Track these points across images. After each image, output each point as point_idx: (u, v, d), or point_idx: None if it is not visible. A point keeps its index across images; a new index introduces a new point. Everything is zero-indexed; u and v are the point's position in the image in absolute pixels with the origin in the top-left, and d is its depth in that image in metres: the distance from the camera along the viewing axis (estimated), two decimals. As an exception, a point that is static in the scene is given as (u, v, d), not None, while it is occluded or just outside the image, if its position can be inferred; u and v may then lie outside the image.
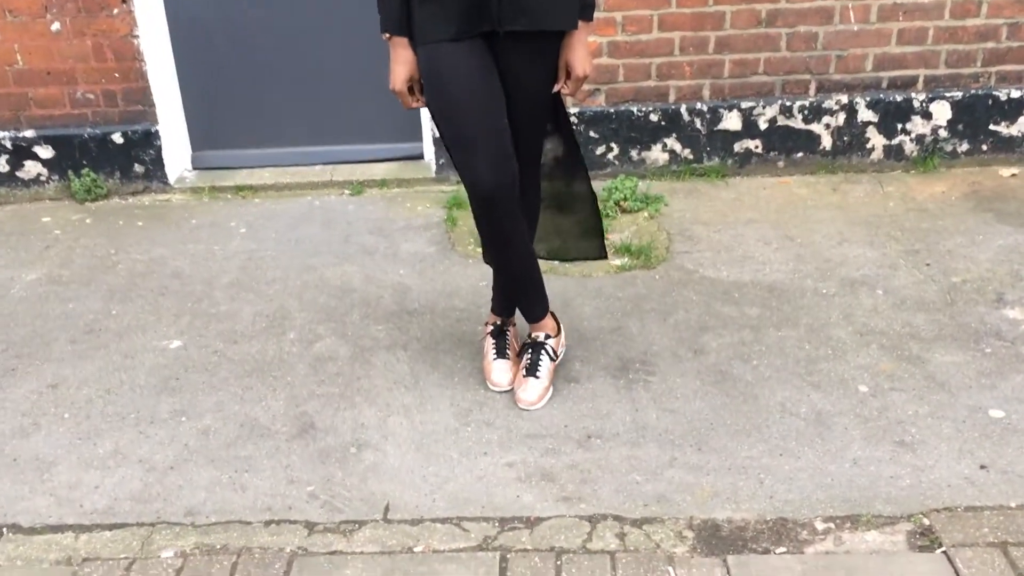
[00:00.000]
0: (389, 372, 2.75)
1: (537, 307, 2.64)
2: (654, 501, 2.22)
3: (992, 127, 3.89)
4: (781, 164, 3.95)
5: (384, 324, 3.00)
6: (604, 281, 3.20)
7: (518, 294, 2.63)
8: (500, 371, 2.65)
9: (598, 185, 3.80)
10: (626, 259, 3.35)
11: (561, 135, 2.55)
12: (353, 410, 2.59)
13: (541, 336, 2.65)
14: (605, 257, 2.77)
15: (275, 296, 3.19)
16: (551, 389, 2.61)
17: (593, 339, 2.87)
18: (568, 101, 3.73)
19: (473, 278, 3.25)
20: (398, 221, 3.73)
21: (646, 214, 3.68)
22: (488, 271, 2.78)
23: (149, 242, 3.63)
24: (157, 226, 3.77)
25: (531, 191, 2.56)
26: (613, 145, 3.94)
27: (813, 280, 3.15)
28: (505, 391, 2.63)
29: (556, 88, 2.39)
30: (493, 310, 2.76)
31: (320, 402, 2.62)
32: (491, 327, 2.74)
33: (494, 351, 2.69)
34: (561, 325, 2.74)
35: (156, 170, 4.00)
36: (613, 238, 3.51)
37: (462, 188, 3.75)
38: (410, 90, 2.35)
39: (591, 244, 2.74)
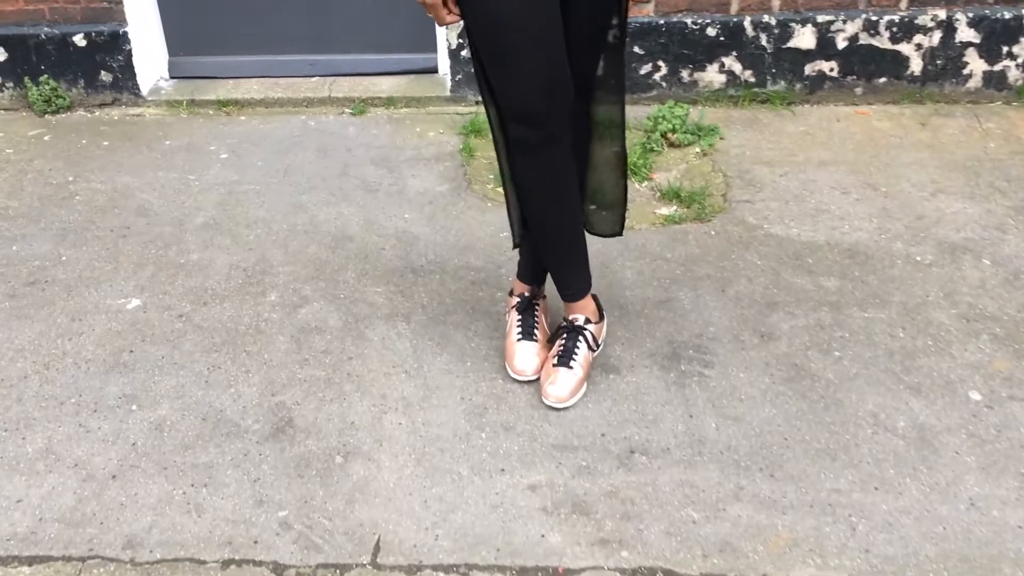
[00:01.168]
0: (387, 351, 2.25)
1: (578, 282, 2.13)
2: (716, 551, 1.74)
3: (1116, 53, 3.26)
4: (859, 91, 3.34)
5: (384, 285, 2.49)
6: (649, 237, 2.66)
7: (557, 264, 2.11)
8: (526, 356, 2.15)
9: (641, 112, 3.23)
10: (675, 208, 2.80)
11: (611, 57, 1.98)
12: (342, 402, 2.10)
13: (580, 319, 2.14)
14: (620, 234, 2.22)
15: (256, 243, 2.68)
16: (585, 384, 2.11)
17: (637, 314, 2.35)
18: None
19: (493, 226, 2.72)
20: (406, 149, 3.18)
21: (698, 149, 3.11)
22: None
23: (114, 167, 3.10)
24: (125, 147, 3.22)
25: (582, 124, 2.02)
26: (661, 64, 3.34)
27: (904, 243, 2.60)
28: (529, 380, 2.14)
29: None
30: (520, 276, 2.25)
31: (302, 390, 2.14)
32: (517, 300, 2.22)
33: (519, 330, 2.18)
34: (604, 312, 2.22)
35: (126, 79, 3.43)
36: (659, 179, 2.96)
37: (481, 110, 3.20)
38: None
39: (611, 217, 2.19)
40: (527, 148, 1.89)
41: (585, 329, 2.13)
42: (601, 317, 2.20)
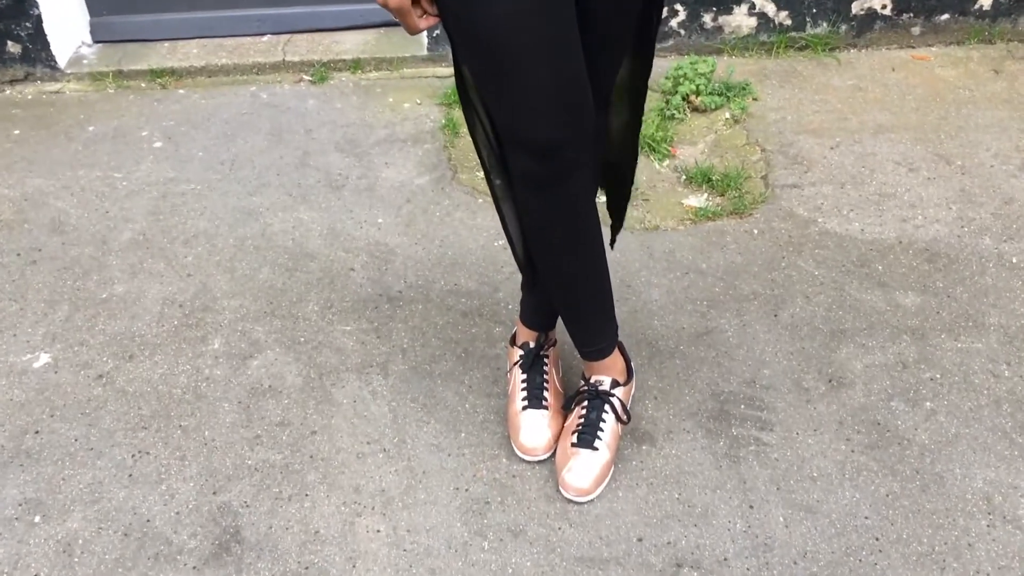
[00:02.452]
0: (360, 420, 1.78)
1: (603, 337, 1.64)
2: None
3: None
4: (917, 31, 2.79)
5: (354, 322, 2.00)
6: (678, 240, 2.17)
7: (575, 317, 1.62)
8: (534, 430, 1.68)
9: (657, 66, 2.68)
10: (706, 197, 2.29)
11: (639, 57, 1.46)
12: (303, 501, 1.64)
13: (605, 383, 1.66)
14: (610, 247, 1.71)
15: (196, 266, 2.18)
16: (613, 467, 1.65)
17: (670, 354, 1.88)
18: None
19: (486, 232, 2.22)
20: (377, 128, 2.64)
21: (728, 115, 2.58)
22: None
23: (24, 166, 2.56)
24: (38, 137, 2.68)
25: (599, 136, 1.53)
26: (678, 7, 2.78)
27: (993, 238, 2.11)
28: (540, 460, 1.68)
29: None
30: (523, 319, 1.76)
31: (252, 483, 1.68)
32: (520, 354, 1.74)
33: (524, 395, 1.71)
34: (632, 368, 1.74)
35: (38, 48, 2.86)
36: (684, 156, 2.44)
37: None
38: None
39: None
40: (534, 185, 1.38)
41: (612, 396, 1.65)
42: (630, 374, 1.72)
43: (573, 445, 1.63)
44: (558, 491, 1.63)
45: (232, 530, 1.60)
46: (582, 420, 1.65)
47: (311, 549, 1.56)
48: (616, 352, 1.67)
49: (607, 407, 1.64)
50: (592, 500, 1.61)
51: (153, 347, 1.97)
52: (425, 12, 1.26)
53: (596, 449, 1.62)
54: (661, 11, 1.41)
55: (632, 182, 1.62)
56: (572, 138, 1.32)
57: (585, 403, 1.66)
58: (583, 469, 1.61)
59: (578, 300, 1.57)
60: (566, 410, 1.71)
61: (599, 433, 1.63)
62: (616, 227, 1.68)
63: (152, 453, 1.74)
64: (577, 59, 1.28)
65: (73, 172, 2.52)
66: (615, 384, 1.66)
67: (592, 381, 1.67)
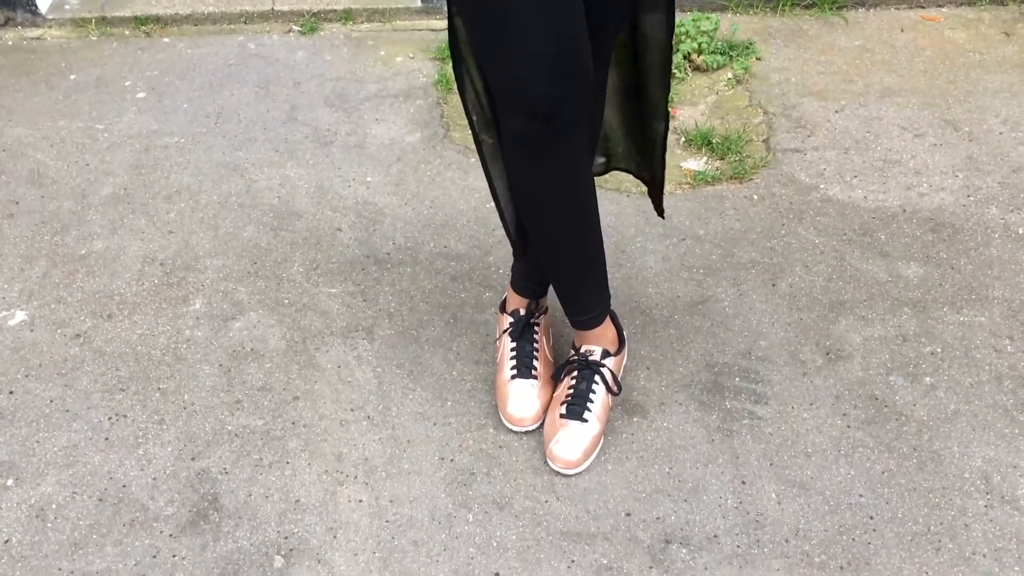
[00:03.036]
0: (344, 386, 1.73)
1: (594, 306, 1.59)
2: None
3: None
4: (927, -9, 2.70)
5: (340, 284, 1.94)
6: (675, 204, 2.10)
7: (566, 286, 1.56)
8: (522, 399, 1.63)
9: (660, 26, 2.60)
10: (705, 160, 2.23)
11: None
12: (283, 468, 1.60)
13: (595, 352, 1.61)
14: (661, 217, 1.66)
15: (178, 223, 2.11)
16: (602, 439, 1.61)
17: (665, 323, 1.83)
18: None
19: (478, 193, 2.15)
20: (367, 82, 2.56)
21: (730, 75, 2.50)
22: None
23: (3, 115, 2.48)
24: (18, 86, 2.60)
25: (599, 100, 1.47)
26: (682, -40, 2.69)
27: (1000, 207, 2.05)
28: (528, 431, 1.63)
29: None
30: (514, 286, 1.70)
31: (232, 449, 1.63)
32: (510, 320, 1.69)
33: (513, 364, 1.66)
34: (624, 336, 1.69)
35: (19, -7, 2.77)
36: (684, 117, 2.37)
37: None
38: None
39: (653, 161, 1.64)
40: (527, 148, 1.31)
41: (602, 366, 1.60)
42: (622, 344, 1.67)
43: (562, 416, 1.58)
44: (546, 463, 1.58)
45: (210, 497, 1.56)
46: (571, 391, 1.60)
47: (291, 518, 1.52)
48: (608, 321, 1.61)
49: (597, 378, 1.59)
50: (580, 473, 1.57)
51: (132, 306, 1.91)
52: None
53: (586, 421, 1.57)
54: None
55: (664, 150, 1.55)
56: (568, 98, 1.25)
57: (575, 373, 1.61)
58: (571, 441, 1.56)
59: (569, 269, 1.51)
60: (555, 379, 1.66)
61: (589, 404, 1.58)
62: (657, 197, 1.61)
63: (129, 416, 1.69)
64: (579, 13, 1.20)
65: (53, 122, 2.44)
66: (606, 354, 1.61)
67: (582, 351, 1.62)
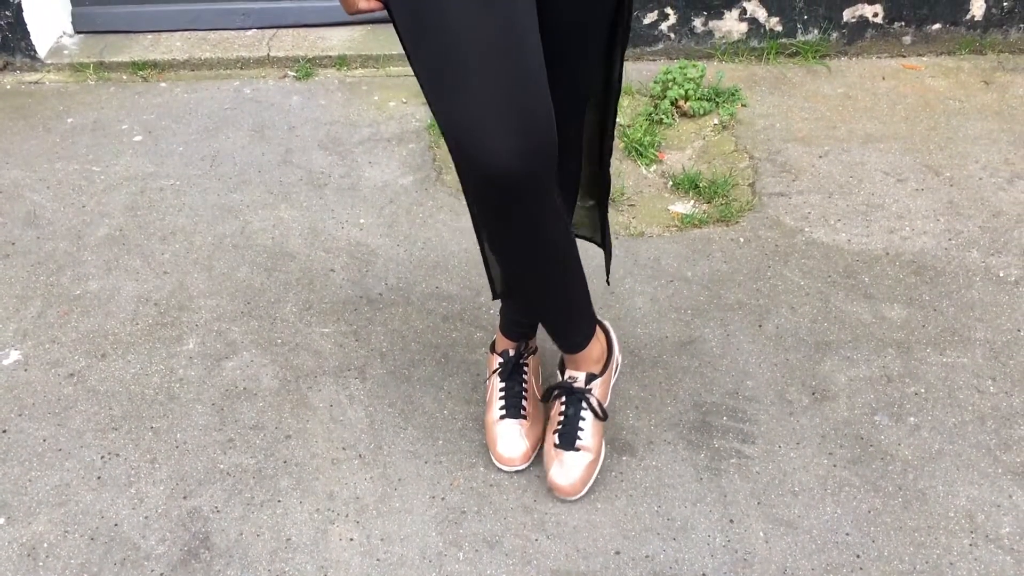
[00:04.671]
0: (336, 425, 1.75)
1: (578, 330, 1.60)
2: None
3: None
4: (908, 40, 2.77)
5: (333, 324, 1.97)
6: (663, 247, 2.14)
7: (547, 321, 1.59)
8: (512, 439, 1.65)
9: (645, 71, 2.68)
10: (692, 203, 2.27)
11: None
12: (275, 507, 1.61)
13: (579, 379, 1.63)
14: (600, 243, 1.69)
15: (173, 264, 2.14)
16: (600, 462, 1.63)
17: (653, 363, 1.85)
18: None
19: (469, 234, 2.19)
20: (361, 126, 2.60)
21: (716, 120, 2.55)
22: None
23: (1, 157, 2.51)
24: (16, 128, 2.63)
25: (574, 152, 1.50)
26: (668, 10, 2.76)
27: (981, 251, 2.09)
28: (518, 470, 1.65)
29: None
30: (503, 329, 1.73)
31: (224, 488, 1.64)
32: (499, 361, 1.71)
33: (502, 403, 1.68)
34: (612, 342, 1.72)
35: (18, 37, 2.81)
36: (671, 161, 2.41)
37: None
38: None
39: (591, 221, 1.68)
40: (491, 206, 1.29)
41: (588, 392, 1.62)
42: (608, 358, 1.68)
43: (556, 446, 1.60)
44: (535, 502, 1.60)
45: (201, 536, 1.56)
46: (562, 417, 1.62)
47: (282, 557, 1.53)
48: (592, 341, 1.63)
49: (583, 406, 1.62)
50: (570, 511, 1.58)
51: (126, 346, 1.93)
52: None
53: (578, 449, 1.59)
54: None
55: (602, 194, 1.58)
56: (532, 158, 1.19)
57: (563, 399, 1.63)
58: (567, 470, 1.58)
59: (547, 312, 1.54)
60: (545, 401, 1.68)
61: (579, 433, 1.60)
62: (606, 253, 1.66)
63: (122, 455, 1.70)
64: (535, 59, 1.17)
65: (50, 164, 2.47)
66: (591, 378, 1.63)
67: (567, 377, 1.64)
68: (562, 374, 1.67)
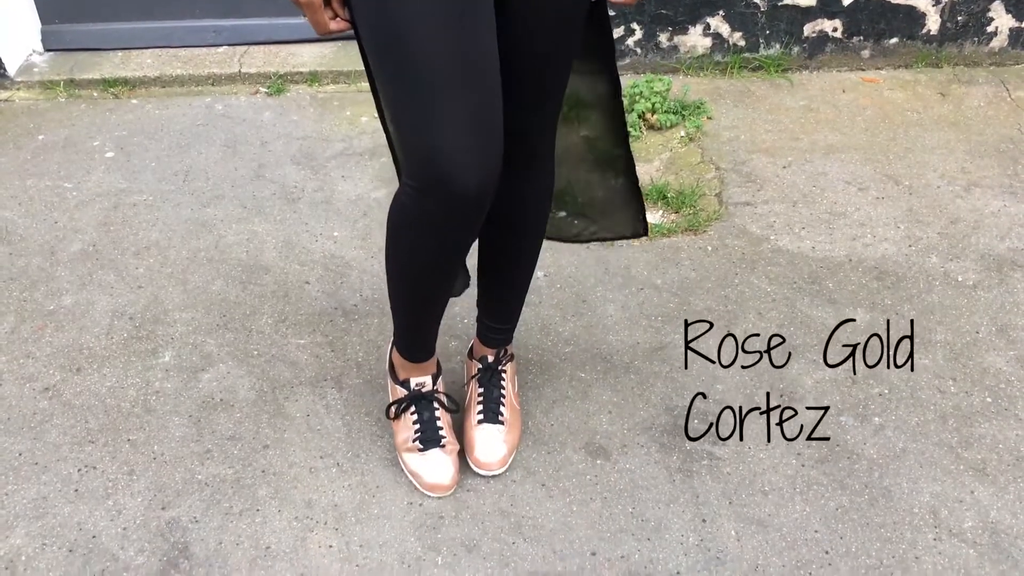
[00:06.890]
0: (313, 434, 1.77)
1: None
2: None
3: None
4: (867, 54, 2.85)
5: (308, 335, 1.98)
6: (633, 256, 2.18)
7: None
8: (489, 444, 1.68)
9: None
10: (661, 214, 2.32)
11: (602, 66, 1.48)
12: (254, 516, 1.62)
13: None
14: (645, 233, 1.76)
15: (147, 278, 2.15)
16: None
17: (625, 368, 1.89)
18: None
19: (441, 246, 2.21)
20: (334, 141, 2.63)
21: (683, 132, 2.61)
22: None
23: (-29, 174, 2.51)
24: (-13, 146, 2.63)
25: (547, 168, 1.53)
26: (635, 26, 2.82)
27: (940, 256, 2.16)
28: (495, 475, 1.68)
29: None
30: (480, 336, 1.75)
31: (202, 498, 1.65)
32: (477, 366, 1.75)
33: (480, 409, 1.71)
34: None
35: (-12, 56, 2.82)
36: (640, 173, 2.44)
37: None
38: (325, 0, 1.26)
39: (626, 216, 1.73)
40: (457, 221, 1.31)
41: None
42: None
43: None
44: (512, 506, 1.63)
45: (181, 546, 1.57)
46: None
47: (262, 565, 1.54)
48: None
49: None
50: (552, 503, 1.61)
51: (102, 360, 1.93)
52: (336, 15, 1.25)
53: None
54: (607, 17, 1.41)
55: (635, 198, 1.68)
56: (493, 169, 1.25)
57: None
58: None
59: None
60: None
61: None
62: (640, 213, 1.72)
63: (99, 468, 1.71)
64: (496, 75, 1.22)
65: (21, 181, 2.47)
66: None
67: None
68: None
